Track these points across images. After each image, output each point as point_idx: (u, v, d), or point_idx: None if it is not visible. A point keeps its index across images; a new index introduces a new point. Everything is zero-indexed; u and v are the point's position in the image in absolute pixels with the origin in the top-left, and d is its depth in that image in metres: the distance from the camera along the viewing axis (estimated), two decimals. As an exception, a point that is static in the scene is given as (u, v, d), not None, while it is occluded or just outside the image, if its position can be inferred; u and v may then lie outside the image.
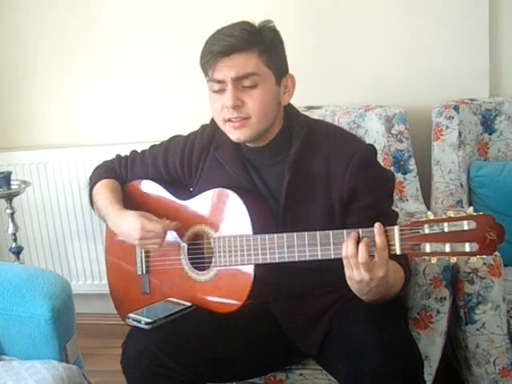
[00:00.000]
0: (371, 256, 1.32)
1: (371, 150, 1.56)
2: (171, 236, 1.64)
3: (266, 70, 1.50)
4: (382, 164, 1.67)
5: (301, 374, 1.71)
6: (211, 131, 1.66)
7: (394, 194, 1.96)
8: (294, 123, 1.58)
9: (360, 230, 1.35)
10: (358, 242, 1.33)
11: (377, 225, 1.32)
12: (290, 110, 1.60)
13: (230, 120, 1.51)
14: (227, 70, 1.47)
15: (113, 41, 2.66)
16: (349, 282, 1.37)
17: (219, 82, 1.49)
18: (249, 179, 1.60)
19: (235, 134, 1.53)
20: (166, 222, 1.60)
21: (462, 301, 1.76)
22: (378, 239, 1.31)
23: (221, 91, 1.50)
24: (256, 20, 1.53)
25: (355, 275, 1.34)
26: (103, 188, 1.75)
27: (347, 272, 1.35)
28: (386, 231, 1.32)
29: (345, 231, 1.37)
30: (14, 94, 2.80)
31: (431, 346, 1.73)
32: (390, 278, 1.38)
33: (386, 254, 1.31)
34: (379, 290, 1.37)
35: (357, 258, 1.32)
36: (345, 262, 1.35)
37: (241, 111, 1.49)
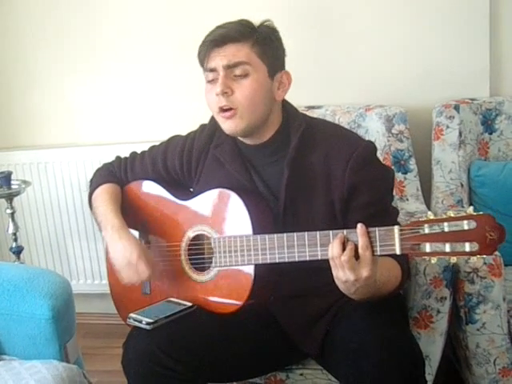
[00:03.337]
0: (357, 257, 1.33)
1: (371, 146, 1.56)
2: (171, 237, 1.65)
3: (258, 61, 1.51)
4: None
5: (301, 374, 1.71)
6: (210, 130, 1.66)
7: (394, 193, 1.96)
8: (291, 121, 1.58)
9: (344, 231, 1.36)
10: (343, 242, 1.34)
11: (359, 225, 1.33)
12: (287, 108, 1.60)
13: (221, 110, 1.51)
14: (219, 58, 1.50)
15: (113, 41, 2.66)
16: (336, 281, 1.38)
17: (212, 70, 1.51)
18: (249, 178, 1.60)
19: (226, 125, 1.53)
20: (149, 274, 1.56)
21: (462, 301, 1.76)
22: (360, 239, 1.32)
23: (214, 81, 1.52)
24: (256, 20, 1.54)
25: (340, 275, 1.34)
26: (103, 194, 1.73)
27: (334, 272, 1.36)
28: (368, 232, 1.32)
29: (345, 231, 1.37)
30: (14, 94, 2.80)
31: (431, 345, 1.73)
32: (382, 277, 1.39)
33: (368, 254, 1.32)
34: (367, 289, 1.37)
35: (341, 258, 1.33)
36: (331, 262, 1.36)
37: (229, 100, 1.50)
